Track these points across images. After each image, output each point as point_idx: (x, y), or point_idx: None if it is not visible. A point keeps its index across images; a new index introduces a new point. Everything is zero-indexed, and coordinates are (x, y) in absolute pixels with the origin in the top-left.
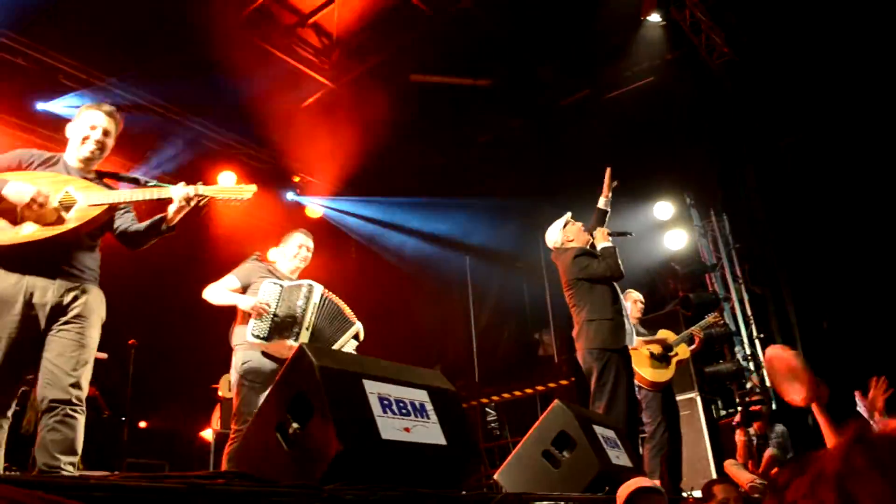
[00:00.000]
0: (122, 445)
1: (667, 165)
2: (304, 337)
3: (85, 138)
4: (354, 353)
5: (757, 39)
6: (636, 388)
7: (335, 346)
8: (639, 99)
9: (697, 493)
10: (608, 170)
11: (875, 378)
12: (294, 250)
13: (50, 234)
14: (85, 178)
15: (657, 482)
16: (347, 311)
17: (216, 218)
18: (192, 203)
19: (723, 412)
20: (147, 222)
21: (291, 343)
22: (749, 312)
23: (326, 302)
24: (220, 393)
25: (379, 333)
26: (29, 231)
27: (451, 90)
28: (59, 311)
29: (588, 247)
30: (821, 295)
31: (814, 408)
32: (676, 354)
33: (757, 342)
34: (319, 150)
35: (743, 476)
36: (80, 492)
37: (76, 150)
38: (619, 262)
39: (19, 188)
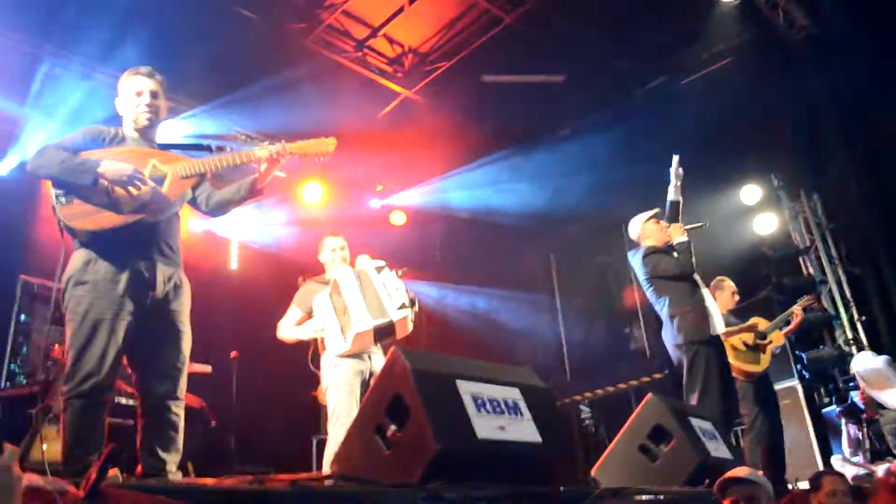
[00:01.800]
0: (229, 455)
1: (751, 147)
2: (361, 318)
3: (136, 106)
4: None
5: (838, 8)
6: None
7: (396, 308)
8: (718, 82)
9: (803, 485)
10: (675, 158)
11: None
12: (330, 256)
13: (149, 212)
14: (158, 150)
15: (759, 473)
16: (380, 264)
17: (305, 231)
18: (280, 162)
19: (826, 399)
20: (235, 186)
21: (357, 331)
22: (848, 294)
23: (360, 278)
24: (321, 401)
25: (468, 334)
26: (128, 212)
27: (525, 88)
28: (160, 298)
29: (665, 245)
30: None
31: None
32: (770, 342)
33: (858, 325)
34: (400, 158)
35: (849, 470)
36: (192, 496)
37: (132, 122)
38: (692, 257)
39: (116, 166)
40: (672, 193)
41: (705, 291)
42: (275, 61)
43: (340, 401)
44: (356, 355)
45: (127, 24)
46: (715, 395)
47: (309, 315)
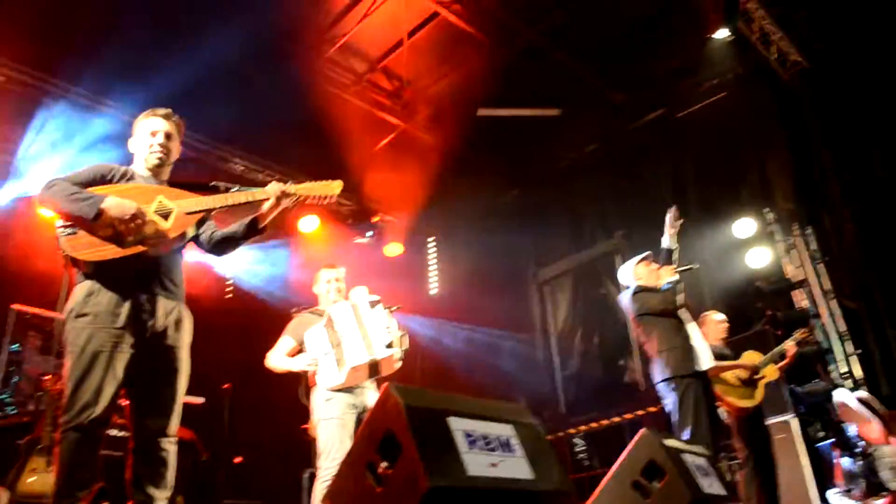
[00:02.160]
0: (220, 488)
1: (745, 181)
2: (356, 352)
3: (149, 146)
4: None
5: (830, 45)
6: (724, 414)
7: (384, 346)
8: (712, 115)
9: None
10: (673, 209)
11: None
12: (325, 287)
13: (151, 246)
14: (169, 188)
15: None
16: (377, 308)
17: (301, 262)
18: (284, 203)
19: (821, 434)
20: (237, 225)
21: (352, 365)
22: (842, 328)
23: (356, 312)
24: (311, 434)
25: (462, 369)
26: (130, 245)
27: (520, 122)
28: (159, 332)
29: (653, 286)
30: None
31: (892, 442)
32: (764, 377)
33: (853, 359)
34: (396, 189)
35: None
36: None
37: (143, 160)
38: (678, 296)
39: (120, 203)
40: (666, 241)
41: (692, 328)
42: (277, 96)
43: (332, 435)
44: (349, 389)
45: (127, 58)
46: (706, 429)
47: (301, 346)
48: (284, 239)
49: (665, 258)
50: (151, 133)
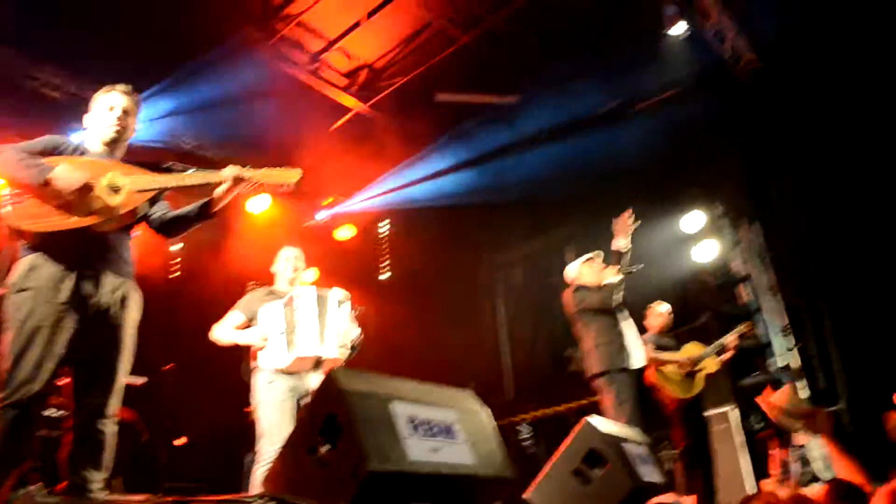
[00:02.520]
0: (160, 469)
1: (696, 176)
2: (309, 343)
3: (106, 121)
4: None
5: (785, 45)
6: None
7: (337, 346)
8: (667, 109)
9: None
10: (628, 212)
11: None
12: (283, 265)
13: (99, 221)
14: (122, 163)
15: (690, 499)
16: (346, 308)
17: (247, 243)
18: (240, 187)
19: (759, 425)
20: (190, 207)
21: (299, 354)
22: (783, 323)
23: (322, 304)
24: (254, 417)
25: (411, 354)
26: (77, 219)
27: (478, 108)
28: (103, 309)
29: (595, 285)
30: (858, 303)
31: (824, 440)
32: (703, 369)
33: (792, 353)
34: (349, 173)
35: (780, 493)
36: None
37: (98, 135)
38: (616, 296)
39: (68, 174)
40: (618, 243)
41: (628, 326)
42: (229, 71)
43: (272, 419)
44: (291, 372)
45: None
46: (637, 423)
47: (250, 322)
48: (233, 216)
49: (616, 259)
50: (109, 108)
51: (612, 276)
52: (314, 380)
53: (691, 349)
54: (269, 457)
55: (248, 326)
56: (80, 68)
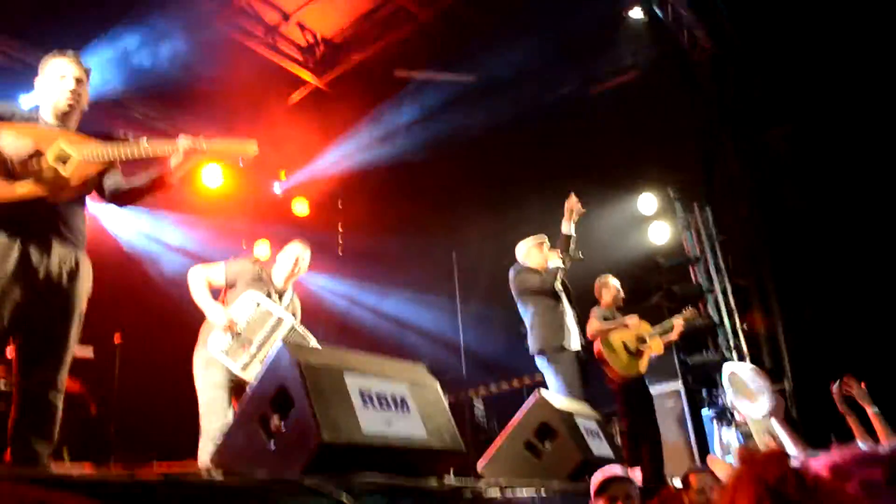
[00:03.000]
0: (109, 443)
1: (651, 159)
2: (254, 368)
3: (59, 91)
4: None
5: (740, 32)
6: (611, 380)
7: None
8: (623, 93)
9: (679, 483)
10: (571, 196)
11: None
12: (290, 263)
13: (47, 191)
14: (72, 133)
15: (635, 470)
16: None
17: (202, 212)
18: (194, 158)
19: (705, 403)
20: (143, 177)
21: (239, 370)
22: (732, 304)
23: (292, 335)
24: None
25: (366, 329)
26: (24, 188)
27: (435, 86)
28: (52, 280)
29: (541, 268)
30: (804, 285)
31: (773, 421)
32: (649, 347)
33: (740, 333)
34: (306, 147)
35: (725, 469)
36: (55, 485)
37: (51, 105)
38: (556, 279)
39: (15, 141)
40: (565, 227)
41: (568, 309)
42: (184, 43)
43: (212, 396)
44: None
45: None
46: (578, 397)
47: (227, 287)
48: (187, 189)
49: (563, 243)
50: (60, 77)
51: (556, 260)
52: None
53: (641, 327)
54: (212, 432)
55: (226, 291)
56: (25, 32)
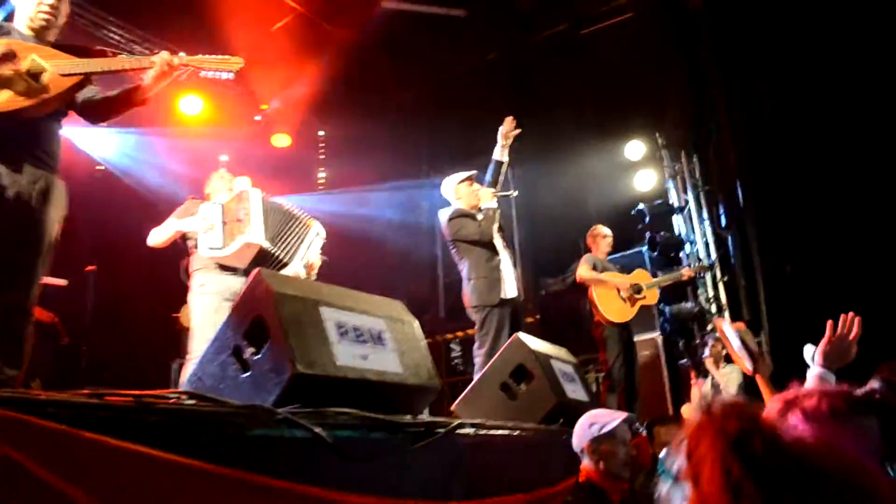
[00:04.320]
0: (81, 373)
1: (640, 105)
2: (259, 232)
3: (36, 5)
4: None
5: None
6: (597, 325)
7: (301, 247)
8: (615, 36)
9: None
10: (509, 118)
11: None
12: (218, 182)
13: (19, 105)
14: (47, 47)
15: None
16: (297, 211)
17: (183, 146)
18: (174, 74)
19: (683, 352)
20: (118, 91)
21: (248, 240)
22: (713, 255)
23: (269, 204)
24: (183, 323)
25: (345, 266)
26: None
27: (424, 19)
28: (21, 201)
29: (473, 209)
30: (786, 239)
31: (757, 379)
32: (644, 297)
33: (720, 285)
34: (288, 77)
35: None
36: (22, 408)
37: (27, 18)
38: (494, 224)
39: None
40: (497, 153)
41: (504, 256)
42: None
43: (205, 318)
44: (230, 271)
45: None
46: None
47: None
48: (165, 118)
49: (494, 172)
50: None
51: (488, 200)
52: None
53: (640, 276)
54: (198, 355)
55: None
56: None
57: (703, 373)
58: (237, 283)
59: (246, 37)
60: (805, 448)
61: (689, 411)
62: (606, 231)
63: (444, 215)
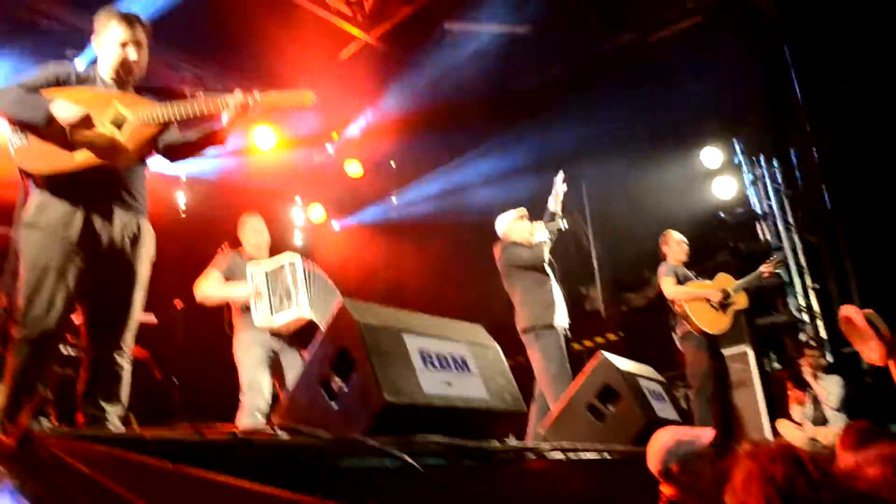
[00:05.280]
0: (173, 408)
1: (714, 110)
2: (306, 306)
3: (118, 57)
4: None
5: None
6: (684, 339)
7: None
8: (685, 41)
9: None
10: (560, 174)
11: None
12: (255, 235)
13: (106, 157)
14: (128, 94)
15: (709, 430)
16: (329, 281)
17: (258, 174)
18: (249, 113)
19: (776, 366)
20: (197, 132)
21: (298, 315)
22: (803, 262)
23: (311, 273)
24: None
25: (423, 292)
26: (83, 156)
27: (488, 38)
28: (114, 246)
29: (526, 243)
30: (878, 241)
31: (891, 365)
32: (734, 304)
33: (811, 293)
34: (358, 105)
35: (795, 435)
36: (129, 446)
37: (110, 68)
38: (545, 253)
39: (67, 107)
40: (551, 204)
41: (555, 285)
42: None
43: (252, 373)
44: (272, 334)
45: None
46: (567, 377)
47: (228, 279)
48: (240, 151)
49: (547, 219)
50: (121, 44)
51: (541, 233)
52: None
53: (723, 281)
54: (249, 409)
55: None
56: None
57: (802, 385)
58: (278, 340)
59: (314, 66)
60: (852, 489)
61: (785, 427)
62: (680, 236)
63: (498, 247)
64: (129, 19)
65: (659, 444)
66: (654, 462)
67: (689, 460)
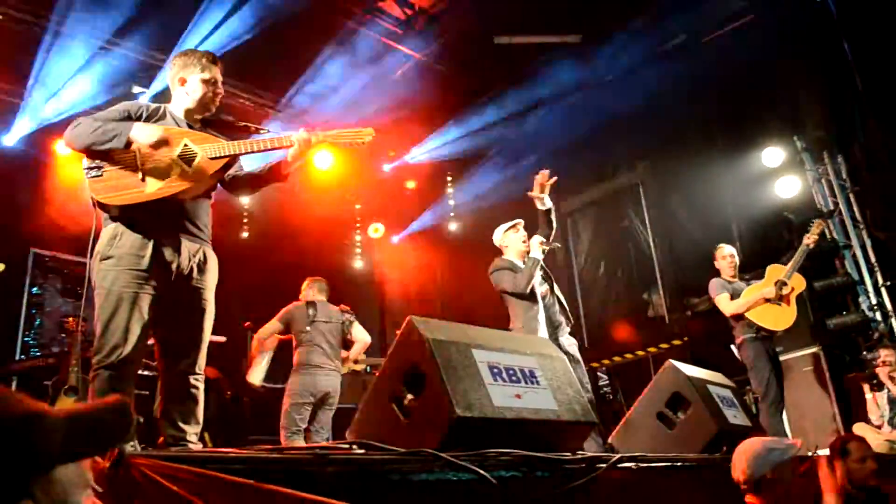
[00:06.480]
0: (244, 424)
1: (774, 108)
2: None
3: (211, 96)
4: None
5: None
6: (741, 348)
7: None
8: (740, 38)
9: (823, 452)
10: (543, 172)
11: None
12: (319, 295)
13: (175, 190)
14: (196, 130)
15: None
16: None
17: (319, 196)
18: (311, 150)
19: (849, 366)
20: (263, 167)
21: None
22: (873, 259)
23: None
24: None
25: (483, 302)
26: (154, 188)
27: (538, 49)
28: (183, 274)
29: (522, 257)
30: None
31: None
32: (792, 289)
33: (883, 290)
34: (412, 124)
35: (872, 437)
36: (215, 465)
37: (183, 108)
38: (532, 277)
39: (146, 129)
40: (539, 203)
41: (541, 308)
42: (282, 28)
43: (290, 409)
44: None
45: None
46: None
47: (285, 331)
48: (301, 174)
49: (544, 221)
50: (208, 81)
51: (535, 250)
52: (324, 380)
53: (775, 271)
54: (287, 435)
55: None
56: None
57: (878, 385)
58: (317, 383)
59: (367, 87)
60: None
61: (863, 430)
62: (731, 250)
63: (491, 267)
64: (213, 59)
65: (749, 452)
66: (741, 470)
67: (780, 469)
